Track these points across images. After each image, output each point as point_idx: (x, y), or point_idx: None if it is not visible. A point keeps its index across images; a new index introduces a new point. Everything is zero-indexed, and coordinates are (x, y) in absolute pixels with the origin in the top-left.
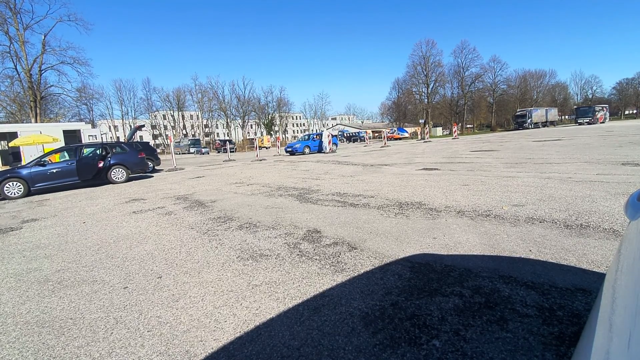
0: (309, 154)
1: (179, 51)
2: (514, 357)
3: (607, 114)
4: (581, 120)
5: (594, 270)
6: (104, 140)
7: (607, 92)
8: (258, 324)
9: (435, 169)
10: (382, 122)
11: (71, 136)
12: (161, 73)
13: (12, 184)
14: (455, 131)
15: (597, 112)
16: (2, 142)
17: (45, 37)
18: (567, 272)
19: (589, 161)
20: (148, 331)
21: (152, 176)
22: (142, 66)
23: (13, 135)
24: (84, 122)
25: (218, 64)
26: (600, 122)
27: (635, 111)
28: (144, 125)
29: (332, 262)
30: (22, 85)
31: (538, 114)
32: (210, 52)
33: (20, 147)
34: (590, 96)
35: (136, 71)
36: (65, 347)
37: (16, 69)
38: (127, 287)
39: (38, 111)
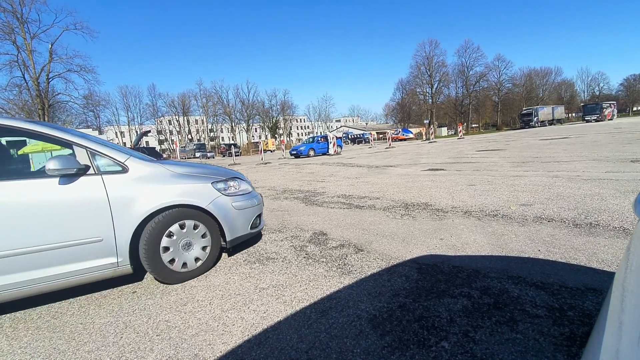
0: (314, 156)
1: (184, 57)
2: (524, 358)
3: (615, 110)
4: (588, 118)
5: (604, 269)
6: None
7: (614, 89)
8: (266, 327)
9: (441, 169)
10: (387, 123)
11: None
12: (166, 79)
13: None
14: (460, 131)
15: (604, 109)
16: (11, 149)
17: (52, 45)
18: (577, 271)
19: (597, 159)
20: (157, 335)
21: None
22: (147, 72)
23: (22, 143)
24: (91, 129)
25: (222, 69)
26: (608, 119)
27: None
28: (149, 131)
29: (339, 265)
30: (30, 94)
31: (544, 112)
32: (214, 57)
33: (30, 154)
34: (597, 93)
35: (141, 77)
36: (76, 351)
37: (24, 77)
38: (135, 291)
39: (46, 119)
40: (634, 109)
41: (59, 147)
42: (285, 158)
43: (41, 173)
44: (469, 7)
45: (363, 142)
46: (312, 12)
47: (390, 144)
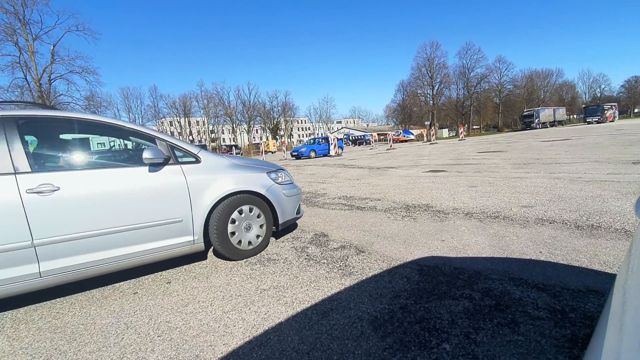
0: (315, 157)
1: (185, 58)
2: None
3: (617, 112)
4: (590, 119)
5: (606, 271)
6: (113, 147)
7: (615, 91)
8: (267, 328)
9: (442, 170)
10: (388, 124)
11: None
12: (168, 80)
13: None
14: (461, 132)
15: (606, 111)
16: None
17: (54, 47)
18: (579, 273)
19: (598, 160)
20: (158, 336)
21: None
22: (149, 74)
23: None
24: None
25: (223, 70)
26: (610, 121)
27: None
28: None
29: (340, 266)
30: (32, 95)
31: (546, 114)
32: (215, 59)
33: None
34: (598, 95)
35: (143, 79)
36: (78, 352)
37: (26, 78)
38: (137, 292)
39: None
40: (636, 110)
41: None
42: (286, 159)
43: (134, 162)
44: (470, 8)
45: (364, 143)
46: (313, 14)
47: (391, 146)
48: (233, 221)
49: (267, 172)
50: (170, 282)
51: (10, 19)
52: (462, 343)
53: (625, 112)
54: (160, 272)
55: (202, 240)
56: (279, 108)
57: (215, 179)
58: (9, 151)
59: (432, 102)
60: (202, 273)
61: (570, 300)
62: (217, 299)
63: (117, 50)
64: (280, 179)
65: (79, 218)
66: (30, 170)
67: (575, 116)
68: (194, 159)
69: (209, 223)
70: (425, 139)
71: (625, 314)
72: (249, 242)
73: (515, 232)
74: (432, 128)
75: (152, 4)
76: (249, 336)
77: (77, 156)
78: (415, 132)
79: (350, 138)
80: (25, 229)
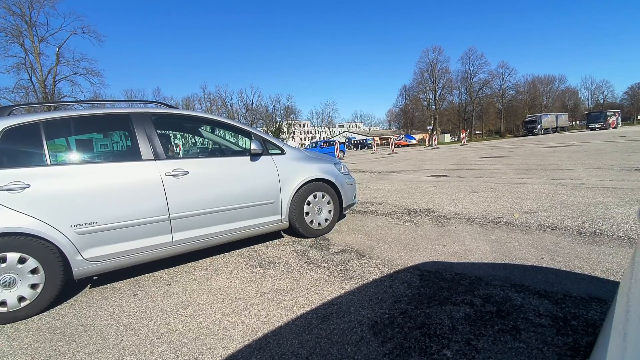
0: None
1: (188, 61)
2: None
3: (620, 119)
4: (593, 126)
5: (609, 278)
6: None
7: (618, 97)
8: (266, 332)
9: (443, 175)
10: (390, 129)
11: (84, 146)
12: (171, 83)
13: None
14: (463, 137)
15: (609, 117)
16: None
17: (59, 49)
18: (581, 280)
19: (601, 167)
20: (157, 338)
21: None
22: (152, 76)
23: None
24: (95, 132)
25: (226, 73)
26: (613, 128)
27: None
28: None
29: (341, 270)
30: (37, 96)
31: (548, 120)
32: (218, 62)
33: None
34: (601, 101)
35: (147, 81)
36: (77, 353)
37: (31, 80)
38: (136, 294)
39: None
40: (639, 117)
41: (63, 150)
42: None
43: (239, 152)
44: (473, 14)
45: (366, 147)
46: (317, 19)
47: (393, 150)
48: (308, 203)
49: (334, 164)
50: (170, 284)
51: (17, 20)
52: (463, 349)
53: (628, 118)
54: (160, 274)
55: (288, 220)
56: (282, 111)
57: (297, 167)
58: (150, 141)
59: (434, 107)
60: (203, 275)
61: (572, 308)
62: (217, 301)
63: (122, 53)
64: (342, 169)
65: (203, 196)
66: (165, 157)
67: (577, 122)
68: (280, 151)
69: (290, 204)
70: (427, 143)
71: (628, 322)
72: (319, 224)
73: (517, 238)
74: (434, 133)
75: (156, 8)
76: (249, 339)
77: (196, 146)
78: (418, 136)
79: (352, 142)
80: (164, 205)
